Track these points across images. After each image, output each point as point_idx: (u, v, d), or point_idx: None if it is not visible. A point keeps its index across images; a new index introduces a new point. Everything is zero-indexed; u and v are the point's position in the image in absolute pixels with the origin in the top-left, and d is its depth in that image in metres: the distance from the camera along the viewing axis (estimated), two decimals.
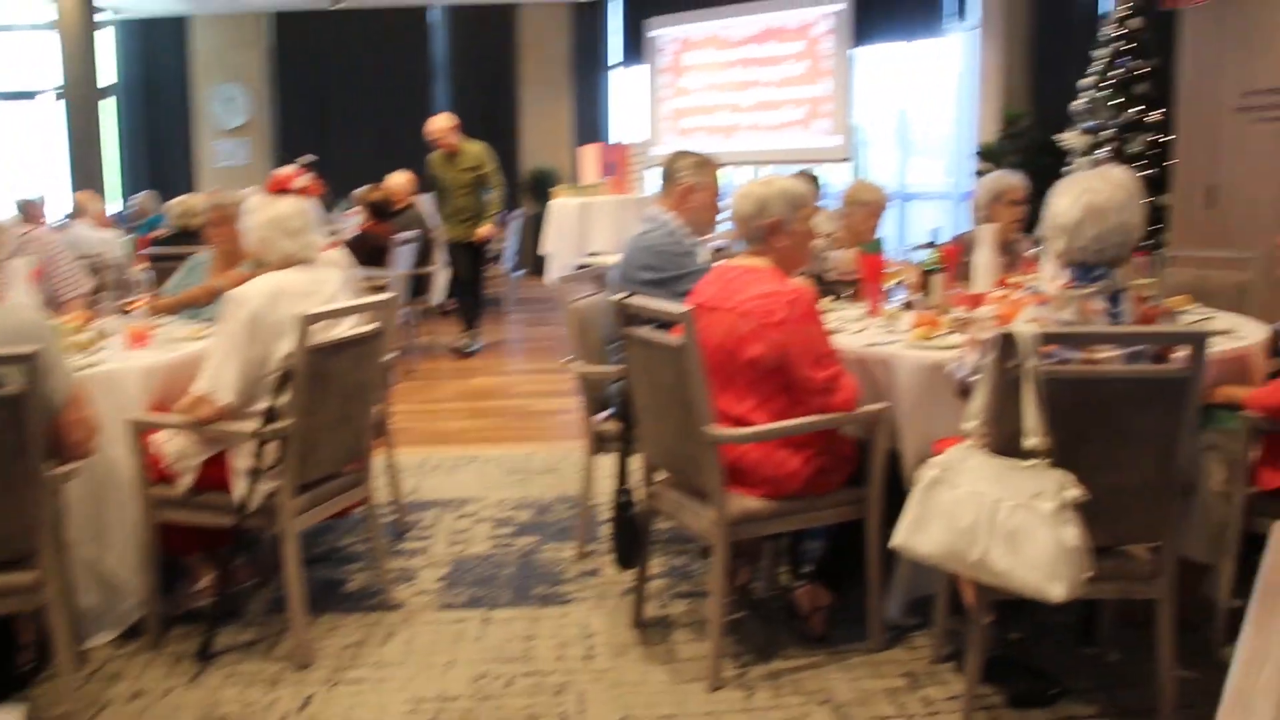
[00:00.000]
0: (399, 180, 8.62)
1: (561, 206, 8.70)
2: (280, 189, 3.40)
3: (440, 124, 8.07)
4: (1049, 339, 2.43)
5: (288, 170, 3.44)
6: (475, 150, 8.11)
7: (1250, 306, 4.45)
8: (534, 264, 12.63)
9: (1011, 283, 3.75)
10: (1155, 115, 8.07)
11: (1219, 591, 3.10)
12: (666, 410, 3.11)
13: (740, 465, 3.07)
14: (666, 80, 13.53)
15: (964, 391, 2.84)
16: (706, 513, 3.04)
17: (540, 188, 13.59)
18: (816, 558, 3.49)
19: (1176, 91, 7.34)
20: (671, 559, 4.08)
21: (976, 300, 3.62)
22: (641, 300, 3.14)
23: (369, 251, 7.48)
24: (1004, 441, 2.49)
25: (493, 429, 6.43)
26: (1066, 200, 2.72)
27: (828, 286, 4.37)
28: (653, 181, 8.40)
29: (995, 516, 2.41)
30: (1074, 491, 2.36)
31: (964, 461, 2.49)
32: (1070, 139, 8.50)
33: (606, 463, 3.83)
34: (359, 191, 8.79)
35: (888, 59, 11.96)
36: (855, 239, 4.60)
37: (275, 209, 3.37)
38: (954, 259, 4.11)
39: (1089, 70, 8.44)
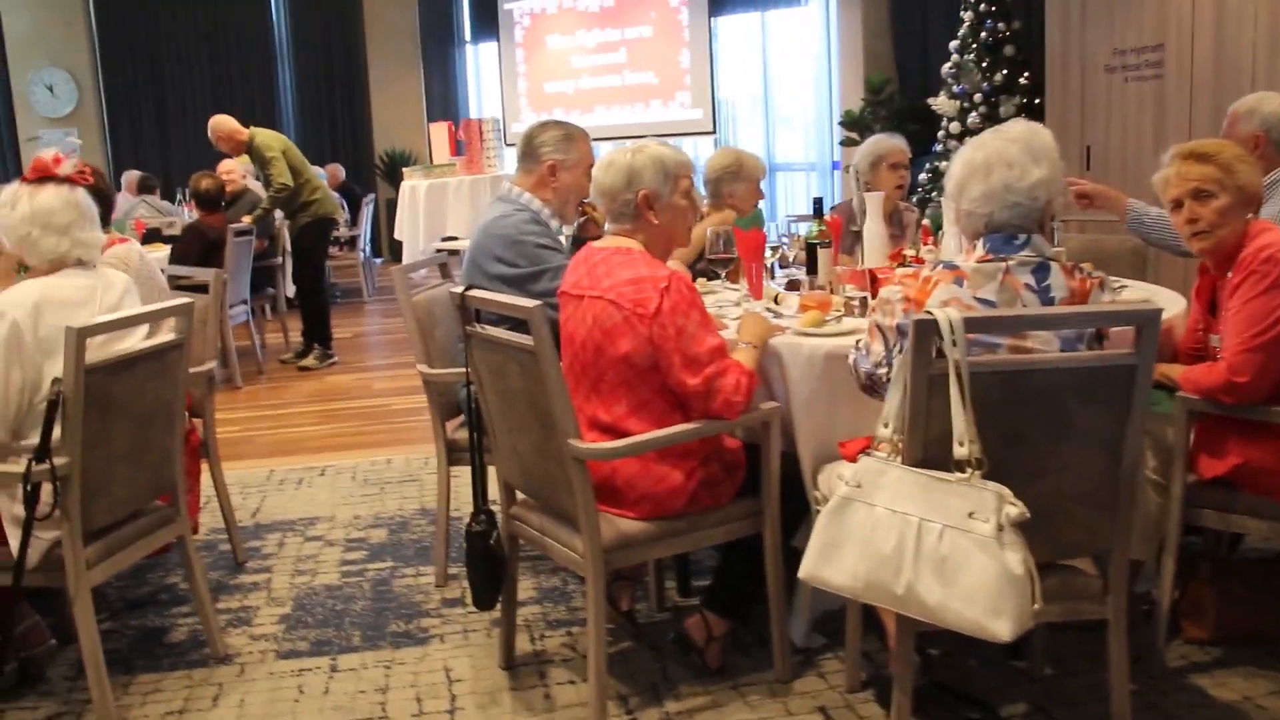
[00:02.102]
0: (229, 165, 7.88)
1: (411, 189, 8.10)
2: (42, 177, 2.79)
3: (213, 130, 7.15)
4: (973, 325, 2.01)
5: (50, 154, 2.83)
6: (260, 140, 7.19)
7: (1149, 271, 4.20)
8: (392, 250, 12.03)
9: (910, 255, 3.39)
10: (1024, 78, 7.91)
11: (1158, 590, 2.78)
12: (521, 421, 2.64)
13: (613, 482, 2.61)
14: (523, 55, 13.02)
15: (870, 386, 2.44)
16: (575, 540, 2.59)
17: (394, 169, 12.95)
18: (708, 583, 3.06)
19: (1045, 53, 7.13)
20: (544, 579, 3.63)
21: (869, 277, 3.23)
22: (485, 294, 2.65)
23: (204, 246, 6.81)
24: (926, 449, 2.09)
25: (347, 434, 5.86)
26: (956, 160, 2.38)
27: (705, 267, 3.95)
28: (511, 160, 7.87)
29: (922, 541, 2.00)
30: (1015, 508, 1.96)
31: (880, 475, 2.07)
32: (940, 104, 8.28)
33: (466, 472, 3.33)
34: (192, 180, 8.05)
35: (749, 29, 11.64)
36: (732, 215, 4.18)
37: (37, 201, 2.77)
38: (839, 231, 3.72)
39: (956, 34, 8.22)
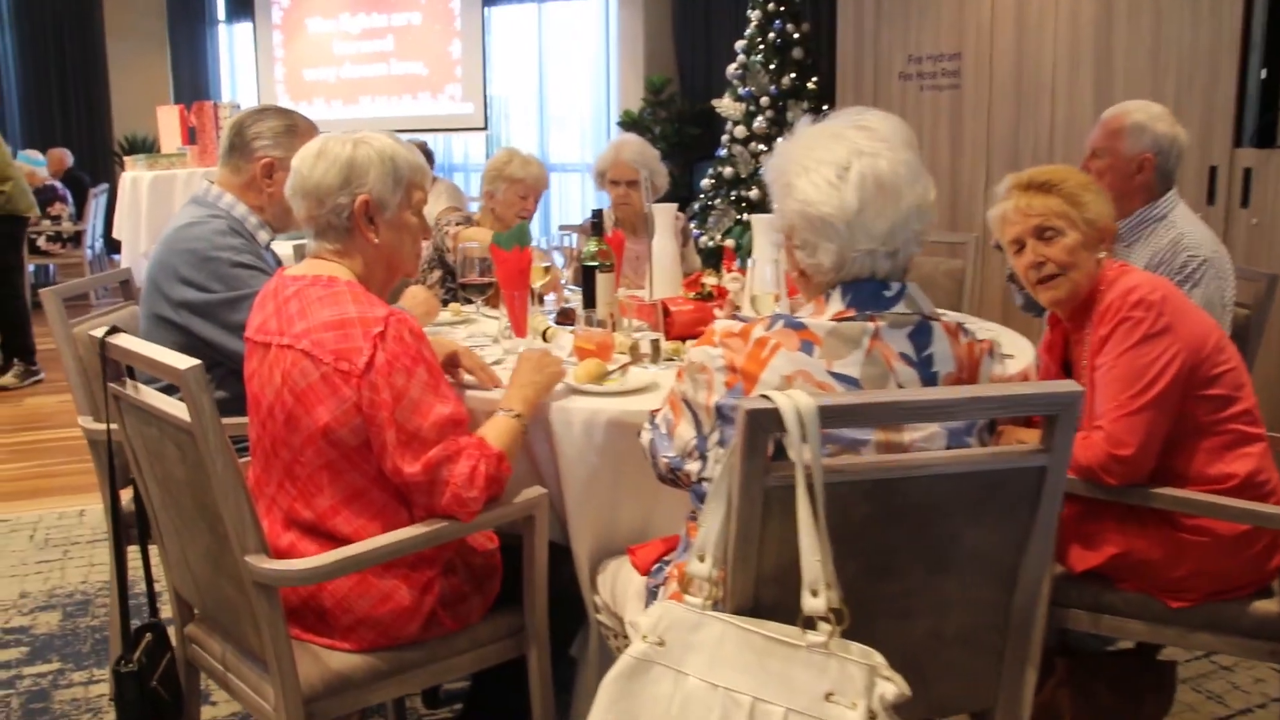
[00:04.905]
0: None
1: (133, 181, 7.01)
2: None
3: None
4: (834, 415, 1.38)
5: None
6: None
7: (964, 301, 3.75)
8: None
9: (711, 284, 2.78)
10: (813, 83, 7.54)
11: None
12: (188, 522, 1.87)
13: (319, 603, 1.88)
14: (280, 38, 11.92)
15: (673, 480, 1.78)
16: (265, 685, 1.84)
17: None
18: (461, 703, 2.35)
19: (837, 57, 6.75)
20: None
21: (661, 310, 2.59)
22: (130, 341, 1.86)
23: None
24: (758, 591, 1.44)
25: (39, 476, 4.84)
26: (826, 173, 1.60)
27: (457, 291, 3.25)
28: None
29: None
30: (893, 686, 1.34)
31: (694, 630, 1.41)
32: (725, 106, 7.81)
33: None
34: None
35: (524, 21, 10.95)
36: (499, 226, 3.48)
37: None
38: (621, 249, 3.08)
39: (742, 34, 7.78)
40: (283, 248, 3.70)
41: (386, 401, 1.79)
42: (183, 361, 1.63)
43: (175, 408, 1.73)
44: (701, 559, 1.42)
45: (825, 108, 7.35)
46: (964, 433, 1.61)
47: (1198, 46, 4.50)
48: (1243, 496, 2.12)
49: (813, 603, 1.34)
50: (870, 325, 1.58)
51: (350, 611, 1.88)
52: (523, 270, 2.59)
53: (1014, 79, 5.46)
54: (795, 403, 1.32)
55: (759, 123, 7.61)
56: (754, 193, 7.57)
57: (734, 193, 7.75)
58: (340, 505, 1.86)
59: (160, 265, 2.59)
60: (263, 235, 2.71)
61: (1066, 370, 2.35)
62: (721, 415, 1.59)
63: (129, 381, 1.94)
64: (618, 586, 2.06)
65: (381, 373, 1.80)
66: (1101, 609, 2.21)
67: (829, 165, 1.62)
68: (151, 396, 1.83)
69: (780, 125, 7.53)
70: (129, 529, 2.64)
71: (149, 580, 2.20)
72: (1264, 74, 4.34)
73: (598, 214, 2.77)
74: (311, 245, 2.00)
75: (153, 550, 2.18)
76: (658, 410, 1.85)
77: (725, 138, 7.90)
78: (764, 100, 7.60)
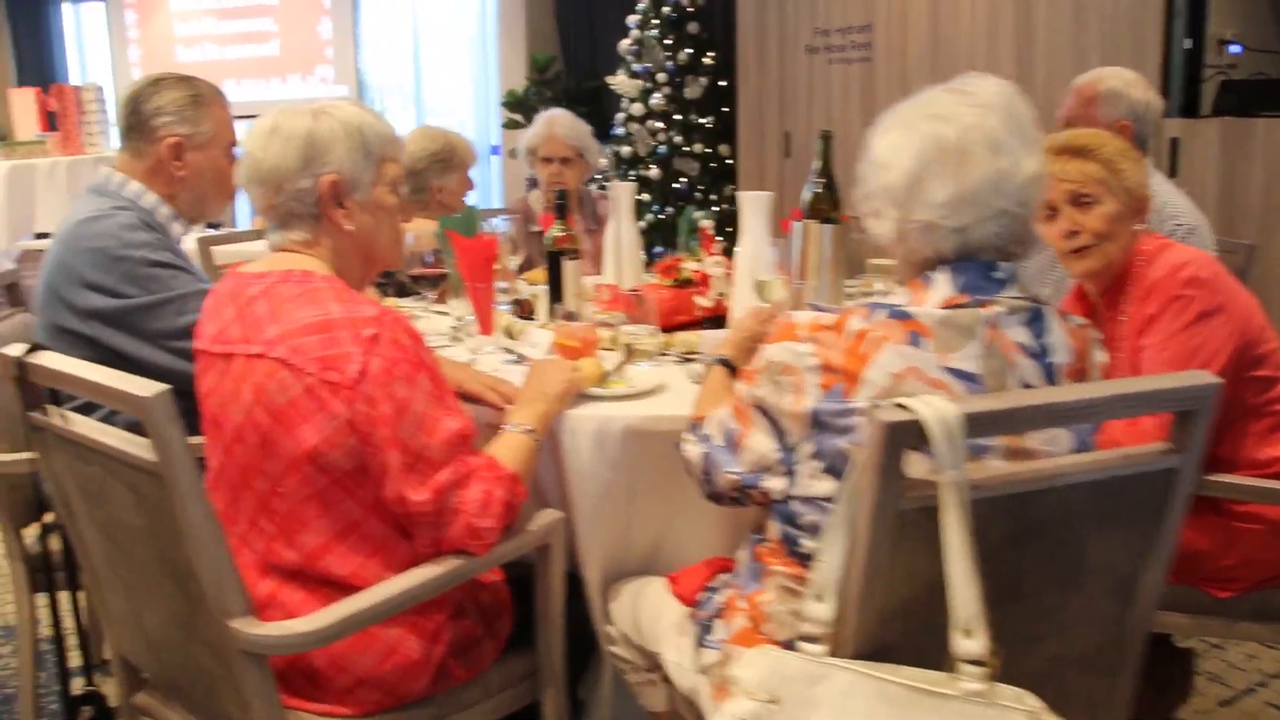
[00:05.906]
0: None
1: None
2: None
3: None
4: (985, 423, 1.15)
5: None
6: None
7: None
8: None
9: (692, 269, 2.55)
10: (710, 57, 7.35)
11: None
12: (144, 579, 1.57)
13: (309, 663, 1.59)
14: (135, 17, 11.23)
15: (735, 498, 1.54)
16: None
17: None
18: None
19: (738, 30, 6.58)
20: None
21: (640, 300, 2.34)
22: (64, 362, 1.53)
23: None
24: (884, 629, 1.22)
25: None
26: (893, 139, 1.45)
27: (387, 286, 2.99)
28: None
29: None
30: None
31: (815, 682, 1.17)
32: (620, 83, 7.58)
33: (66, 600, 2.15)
34: None
35: None
36: (440, 212, 3.19)
37: None
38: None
39: (634, 8, 7.54)
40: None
41: (387, 416, 1.51)
42: (145, 388, 1.33)
43: (129, 443, 1.42)
44: (820, 598, 1.19)
45: (723, 83, 7.20)
46: (1088, 433, 1.41)
47: (1120, 16, 4.42)
48: None
49: (967, 645, 1.13)
50: (984, 312, 1.37)
51: (348, 670, 1.59)
52: (488, 259, 2.32)
53: (929, 51, 5.34)
54: (939, 411, 1.10)
55: (656, 99, 7.40)
56: (654, 171, 7.38)
57: (633, 172, 7.53)
58: (333, 541, 1.57)
59: (60, 268, 2.23)
60: (176, 228, 2.38)
61: None
62: (819, 423, 1.36)
63: (50, 409, 1.61)
64: (642, 616, 1.82)
65: (378, 382, 1.51)
66: None
67: (900, 127, 1.46)
68: (88, 427, 1.52)
69: (679, 103, 7.34)
70: (34, 574, 2.30)
71: (83, 641, 1.87)
72: (1188, 44, 4.29)
73: (563, 195, 2.51)
74: (274, 238, 1.70)
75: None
76: (701, 419, 1.61)
77: (621, 116, 7.67)
78: (660, 77, 7.40)
